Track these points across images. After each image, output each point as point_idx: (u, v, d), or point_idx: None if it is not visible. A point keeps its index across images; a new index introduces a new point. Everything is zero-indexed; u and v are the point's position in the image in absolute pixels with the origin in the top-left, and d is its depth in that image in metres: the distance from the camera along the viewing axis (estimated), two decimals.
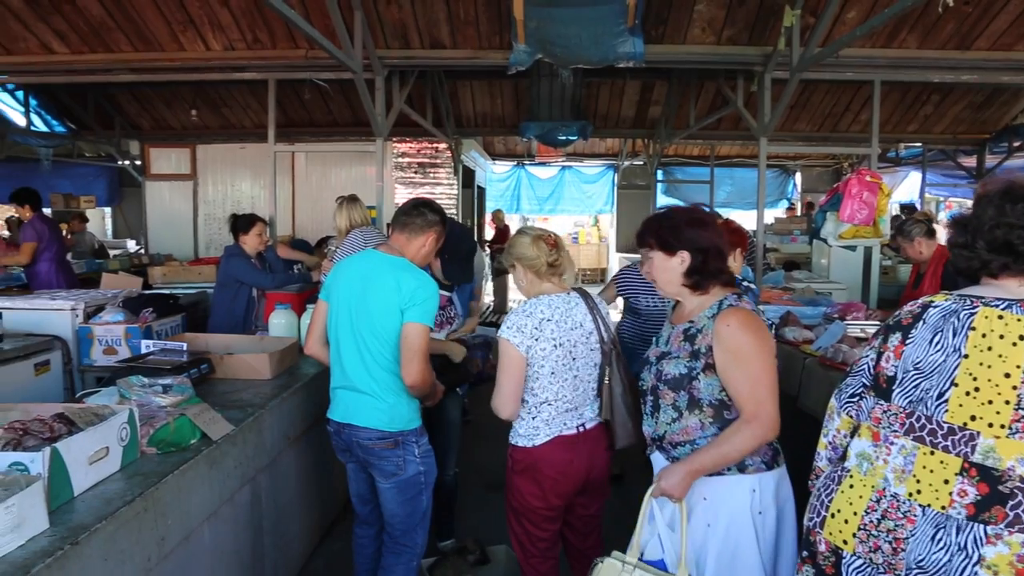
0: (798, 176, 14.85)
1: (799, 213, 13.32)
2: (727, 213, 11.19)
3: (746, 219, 10.34)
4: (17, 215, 8.58)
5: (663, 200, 13.71)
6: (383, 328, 2.65)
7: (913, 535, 1.60)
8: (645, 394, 2.31)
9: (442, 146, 10.07)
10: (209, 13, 5.85)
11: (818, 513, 1.82)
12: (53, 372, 4.02)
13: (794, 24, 5.31)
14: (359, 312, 2.70)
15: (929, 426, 1.63)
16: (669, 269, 2.23)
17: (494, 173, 15.07)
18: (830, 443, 1.94)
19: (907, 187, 12.47)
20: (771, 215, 13.16)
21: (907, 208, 10.46)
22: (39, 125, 9.94)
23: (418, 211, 2.87)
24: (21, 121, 9.60)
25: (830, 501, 1.79)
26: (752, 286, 3.81)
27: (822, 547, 1.78)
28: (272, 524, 3.14)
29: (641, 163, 13.48)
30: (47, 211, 9.15)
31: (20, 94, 9.44)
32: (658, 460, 2.29)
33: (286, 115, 9.31)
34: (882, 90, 6.55)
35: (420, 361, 2.64)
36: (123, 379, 2.71)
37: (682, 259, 2.19)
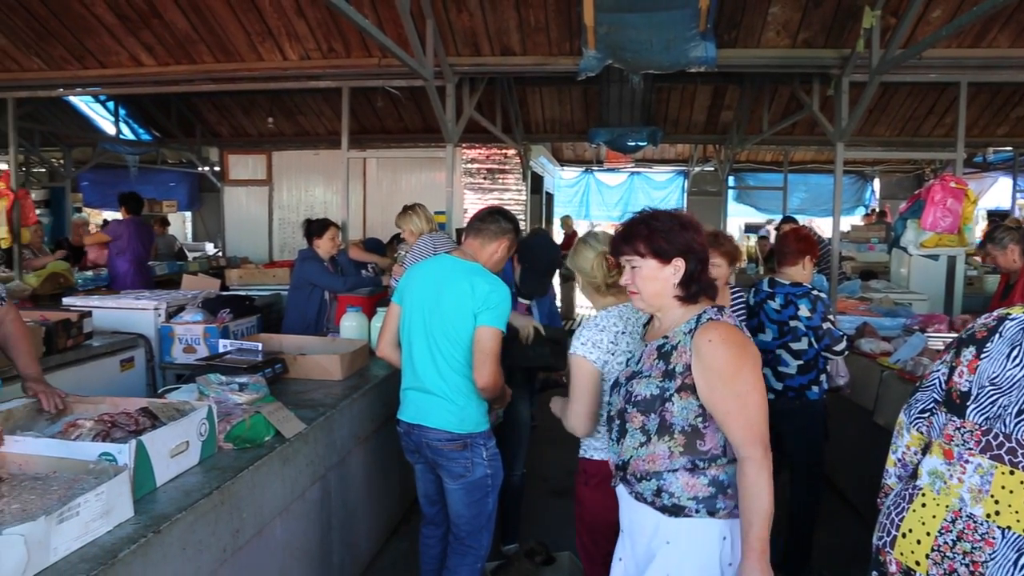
0: (876, 182, 14.35)
1: (877, 220, 12.89)
2: (801, 220, 10.92)
3: (821, 226, 10.08)
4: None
5: (734, 207, 13.46)
6: (456, 331, 2.69)
7: (993, 558, 1.53)
8: (612, 419, 2.08)
9: (511, 152, 10.12)
10: (286, 24, 6.03)
11: (888, 532, 1.76)
12: (137, 368, 4.20)
13: (874, 25, 5.14)
14: (432, 315, 2.75)
15: (1008, 444, 1.55)
16: (661, 279, 1.97)
17: (562, 179, 15.05)
18: (899, 460, 1.87)
19: (995, 193, 11.92)
20: (848, 222, 12.77)
21: (999, 215, 10.01)
22: (127, 133, 10.42)
23: (492, 218, 2.92)
24: (111, 130, 10.10)
25: (900, 520, 1.72)
26: (822, 295, 3.69)
27: (892, 567, 1.72)
28: (340, 522, 3.20)
29: (712, 169, 13.27)
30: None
31: (111, 104, 9.93)
32: (622, 494, 2.06)
33: (359, 122, 9.51)
34: (969, 92, 6.28)
35: (492, 364, 2.67)
36: (202, 376, 2.81)
37: (676, 267, 1.96)
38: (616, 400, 2.06)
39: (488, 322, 2.65)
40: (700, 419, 1.88)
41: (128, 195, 7.60)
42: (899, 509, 1.75)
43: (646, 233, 1.98)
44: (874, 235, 10.29)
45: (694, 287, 1.97)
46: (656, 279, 1.97)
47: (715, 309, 1.96)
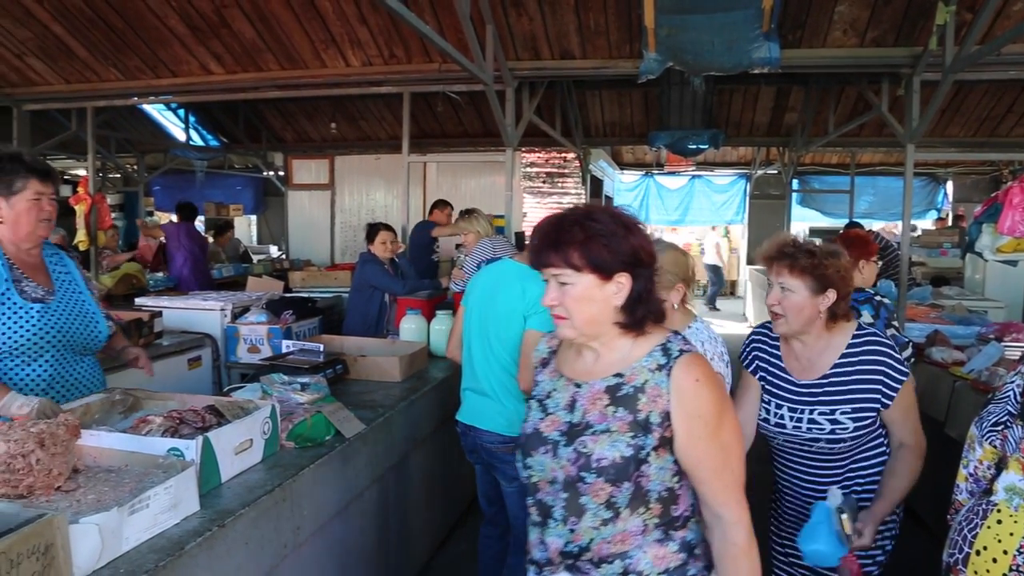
0: (949, 185, 13.83)
1: (950, 224, 12.42)
2: (868, 224, 10.61)
3: (894, 231, 9.77)
4: None
5: (798, 211, 13.13)
6: (507, 333, 2.71)
7: None
8: (549, 492, 1.58)
9: (570, 156, 10.09)
10: (349, 31, 6.14)
11: (960, 549, 1.69)
12: (204, 367, 4.33)
13: (948, 21, 4.95)
14: (488, 316, 2.79)
15: None
16: (599, 300, 1.53)
17: (622, 182, 14.95)
18: (971, 475, 1.79)
19: None
20: (919, 226, 12.35)
21: None
22: (196, 140, 10.77)
23: None
24: (181, 136, 10.45)
25: (974, 537, 1.65)
26: (885, 300, 3.56)
27: None
28: (398, 522, 3.23)
29: (775, 172, 12.98)
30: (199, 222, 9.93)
31: (181, 112, 10.27)
32: None
33: (419, 126, 9.61)
34: None
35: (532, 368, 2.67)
36: (266, 376, 2.87)
37: (620, 285, 1.53)
38: (549, 465, 1.58)
39: (535, 325, 2.66)
40: (676, 479, 1.54)
41: (182, 204, 8.05)
42: (972, 525, 1.68)
43: (582, 238, 1.51)
44: (947, 240, 9.94)
45: (640, 311, 1.55)
46: (593, 300, 1.53)
47: (680, 336, 1.61)
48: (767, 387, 2.35)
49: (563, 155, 10.14)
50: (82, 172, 10.11)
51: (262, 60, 6.59)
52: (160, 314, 4.24)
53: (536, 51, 6.15)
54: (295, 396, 2.71)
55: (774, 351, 2.38)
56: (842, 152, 12.08)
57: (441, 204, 7.57)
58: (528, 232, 9.30)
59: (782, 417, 2.29)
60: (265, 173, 11.71)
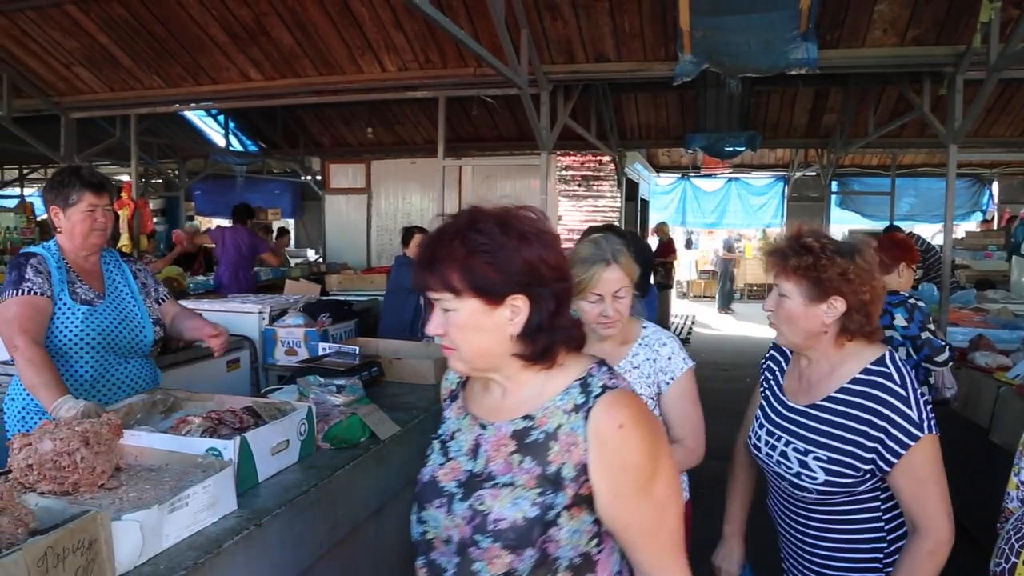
0: (995, 186, 13.50)
1: (996, 227, 12.12)
2: (910, 227, 10.41)
3: (932, 232, 9.57)
4: None
5: (838, 213, 12.92)
6: None
7: None
8: (441, 552, 1.33)
9: (606, 159, 10.06)
10: (385, 37, 6.21)
11: (1007, 559, 1.64)
12: (242, 369, 4.40)
13: (993, 18, 4.83)
14: None
15: None
16: (490, 328, 1.24)
17: (658, 185, 14.86)
18: (1021, 483, 1.74)
19: None
20: (962, 229, 12.08)
21: None
22: (236, 145, 10.96)
23: (603, 233, 3.00)
24: (221, 142, 10.66)
25: (1022, 547, 1.61)
26: (920, 303, 3.49)
27: None
28: None
29: (814, 174, 12.78)
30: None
31: (221, 118, 10.47)
32: None
33: (454, 131, 9.67)
34: None
35: None
36: (302, 378, 2.91)
37: (514, 309, 1.24)
38: (442, 520, 1.31)
39: None
40: (595, 543, 1.26)
41: (237, 205, 8.07)
42: (1020, 535, 1.64)
43: (462, 255, 1.21)
44: (992, 242, 9.71)
45: (542, 340, 1.25)
46: (482, 329, 1.24)
47: (605, 368, 1.30)
48: (761, 402, 2.03)
49: (598, 158, 10.11)
50: (125, 177, 10.36)
51: (300, 66, 6.69)
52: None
53: (571, 54, 6.15)
54: (331, 398, 2.74)
55: (783, 364, 2.02)
56: (883, 153, 11.86)
57: None
58: (564, 236, 9.28)
59: (759, 439, 1.95)
60: (303, 178, 11.88)
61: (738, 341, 11.75)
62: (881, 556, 1.79)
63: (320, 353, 3.60)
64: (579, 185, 10.31)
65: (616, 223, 9.95)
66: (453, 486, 1.31)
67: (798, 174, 13.76)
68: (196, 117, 10.53)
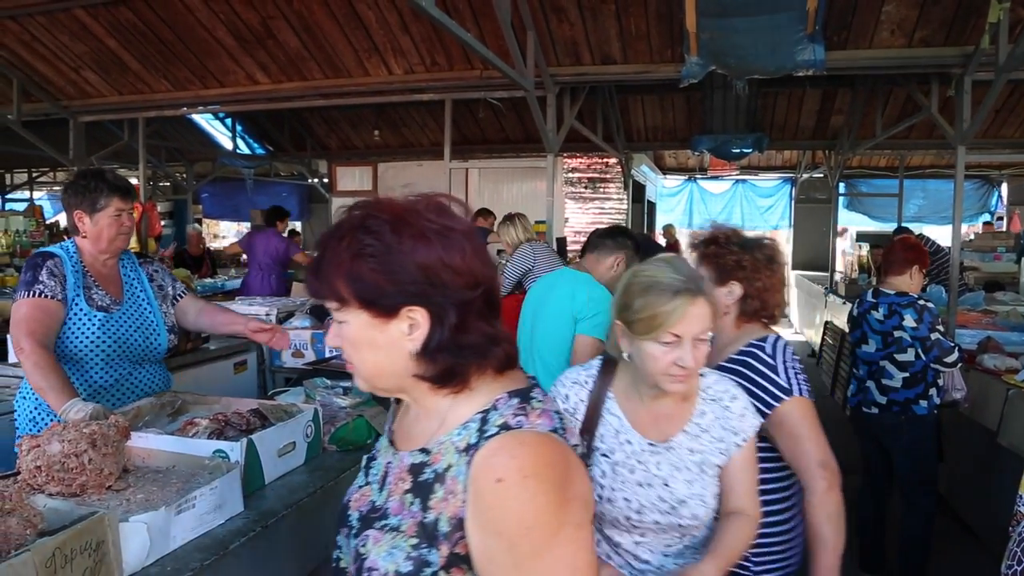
0: (1004, 187, 13.43)
1: (1005, 228, 12.06)
2: (918, 228, 10.36)
3: (941, 234, 9.53)
4: None
5: (845, 215, 12.88)
6: (555, 335, 2.73)
7: None
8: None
9: (612, 161, 10.07)
10: (392, 40, 6.22)
11: (1019, 562, 1.64)
12: (249, 371, 4.41)
13: (1001, 19, 4.80)
14: (537, 319, 2.82)
15: None
16: (384, 345, 1.05)
17: (665, 187, 14.85)
18: None
19: None
20: (971, 230, 12.02)
21: None
22: (243, 148, 11.01)
23: (611, 234, 3.04)
24: (229, 145, 10.69)
25: None
26: (929, 304, 3.48)
27: None
28: None
29: (821, 176, 12.74)
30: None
31: (228, 121, 10.51)
32: None
33: (461, 133, 9.68)
34: None
35: None
36: (309, 380, 2.92)
37: (412, 322, 1.03)
38: (346, 550, 1.16)
39: (586, 331, 2.66)
40: None
41: (269, 209, 7.96)
42: None
43: (347, 259, 1.03)
44: (1001, 243, 9.66)
45: (443, 359, 1.04)
46: (375, 345, 1.05)
47: (517, 400, 1.04)
48: None
49: (605, 160, 10.12)
50: (133, 180, 10.39)
51: (307, 69, 6.71)
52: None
53: (577, 56, 6.15)
54: (337, 400, 2.75)
55: None
56: (890, 155, 11.83)
57: (484, 213, 7.61)
58: (570, 238, 9.27)
59: None
60: (310, 180, 11.91)
61: None
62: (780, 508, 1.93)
63: (327, 355, 3.61)
64: (586, 187, 10.31)
65: (623, 225, 9.95)
66: (355, 517, 1.14)
67: (805, 176, 13.72)
68: (203, 120, 10.58)
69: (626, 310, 1.66)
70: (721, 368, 1.94)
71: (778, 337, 1.99)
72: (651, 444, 1.70)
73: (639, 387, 1.71)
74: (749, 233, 2.08)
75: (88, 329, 2.44)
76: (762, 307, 2.00)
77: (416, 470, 1.05)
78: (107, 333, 2.47)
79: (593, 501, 1.06)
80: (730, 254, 1.99)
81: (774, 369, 1.89)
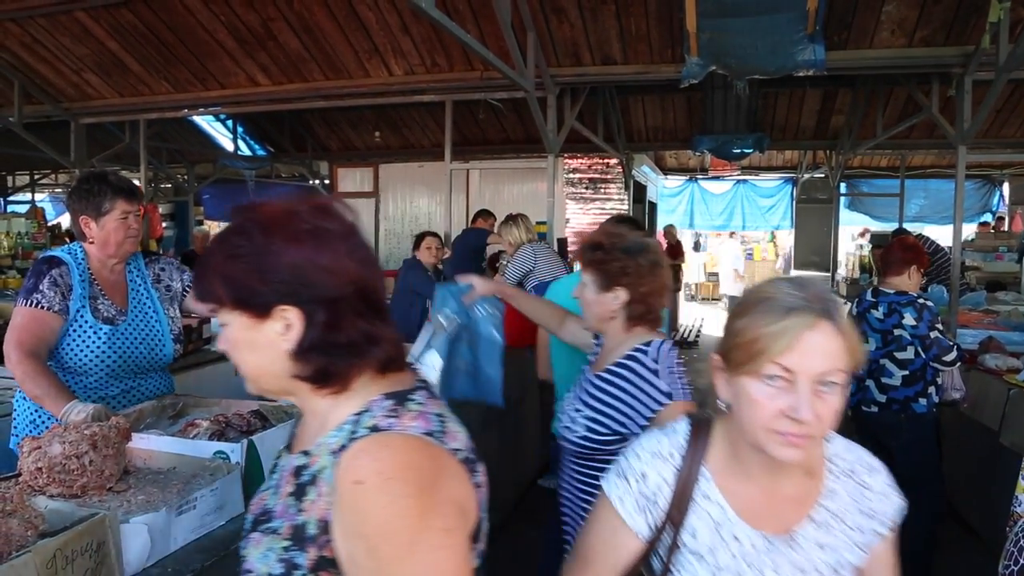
0: (1006, 187, 13.41)
1: (1007, 227, 12.04)
2: (919, 228, 10.37)
3: (942, 234, 9.51)
4: None
5: (846, 215, 12.86)
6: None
7: None
8: None
9: (613, 161, 10.05)
10: (392, 41, 6.23)
11: (1015, 561, 1.64)
12: None
13: (1002, 18, 4.80)
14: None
15: None
16: (262, 345, 1.06)
17: (665, 188, 14.83)
18: None
19: None
20: (971, 230, 11.99)
21: None
22: (244, 150, 11.02)
23: (618, 224, 3.03)
24: (230, 146, 10.70)
25: None
26: (928, 303, 3.49)
27: None
28: None
29: (822, 176, 12.74)
30: None
31: (229, 123, 10.52)
32: None
33: (461, 134, 9.68)
34: None
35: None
36: None
37: (286, 323, 1.04)
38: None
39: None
40: None
41: None
42: None
43: (221, 261, 1.05)
44: (1003, 243, 9.66)
45: (315, 359, 1.04)
46: (254, 345, 1.07)
47: (389, 402, 1.04)
48: None
49: (606, 161, 10.11)
50: (135, 182, 10.42)
51: (307, 71, 6.72)
52: (208, 320, 4.34)
53: (577, 57, 6.15)
54: None
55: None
56: (891, 155, 11.81)
57: (484, 214, 7.58)
58: (571, 239, 9.27)
59: (565, 412, 2.13)
60: (311, 182, 11.92)
61: None
62: None
63: None
64: (586, 188, 10.30)
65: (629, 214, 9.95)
66: (249, 521, 1.11)
67: (806, 176, 13.70)
68: (204, 122, 10.59)
69: (725, 335, 1.24)
70: (607, 372, 1.99)
71: (663, 341, 2.01)
72: (767, 539, 1.23)
73: (745, 456, 1.24)
74: (632, 237, 2.09)
75: (93, 343, 2.38)
76: (647, 311, 2.04)
77: (297, 472, 1.05)
78: (112, 347, 2.42)
79: (476, 507, 1.03)
80: (615, 260, 2.01)
81: (656, 373, 1.93)
